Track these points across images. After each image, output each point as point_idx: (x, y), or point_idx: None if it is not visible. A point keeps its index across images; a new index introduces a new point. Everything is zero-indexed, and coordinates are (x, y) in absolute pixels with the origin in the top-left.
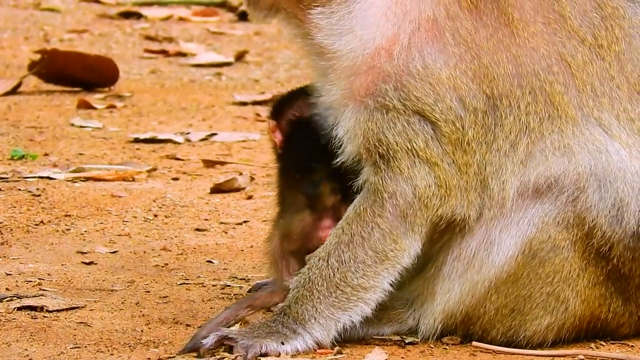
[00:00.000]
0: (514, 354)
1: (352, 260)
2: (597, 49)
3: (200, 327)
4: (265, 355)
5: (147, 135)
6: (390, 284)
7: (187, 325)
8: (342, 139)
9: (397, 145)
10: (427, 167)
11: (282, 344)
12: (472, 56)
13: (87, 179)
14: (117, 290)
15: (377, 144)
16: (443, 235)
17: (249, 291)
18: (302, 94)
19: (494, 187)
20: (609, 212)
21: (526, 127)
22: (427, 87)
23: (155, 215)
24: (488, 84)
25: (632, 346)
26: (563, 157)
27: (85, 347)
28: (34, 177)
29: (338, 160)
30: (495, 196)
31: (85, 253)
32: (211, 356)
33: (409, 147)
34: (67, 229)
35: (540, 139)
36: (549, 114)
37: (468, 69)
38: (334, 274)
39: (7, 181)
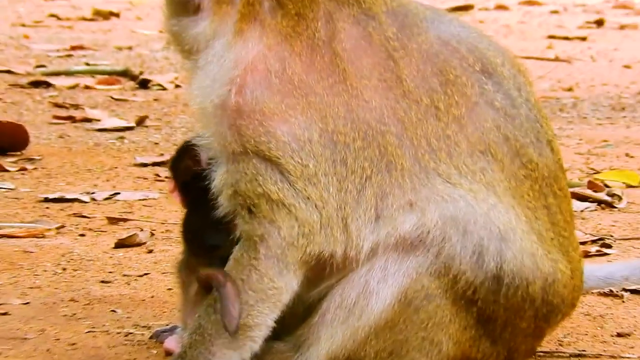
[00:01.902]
0: None
1: None
2: (433, 110)
3: None
4: None
5: (56, 195)
6: (274, 321)
7: None
8: (215, 193)
9: (252, 193)
10: (286, 209)
11: None
12: (301, 94)
13: (0, 236)
14: (29, 339)
15: (234, 195)
16: (321, 277)
17: (150, 337)
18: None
19: (353, 231)
20: (470, 258)
21: (367, 175)
22: (256, 123)
23: (64, 269)
24: (320, 119)
25: None
26: (412, 213)
27: None
28: None
29: (218, 213)
30: (353, 242)
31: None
32: None
33: (263, 192)
34: None
35: (385, 195)
36: (385, 164)
37: (296, 104)
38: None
39: None
